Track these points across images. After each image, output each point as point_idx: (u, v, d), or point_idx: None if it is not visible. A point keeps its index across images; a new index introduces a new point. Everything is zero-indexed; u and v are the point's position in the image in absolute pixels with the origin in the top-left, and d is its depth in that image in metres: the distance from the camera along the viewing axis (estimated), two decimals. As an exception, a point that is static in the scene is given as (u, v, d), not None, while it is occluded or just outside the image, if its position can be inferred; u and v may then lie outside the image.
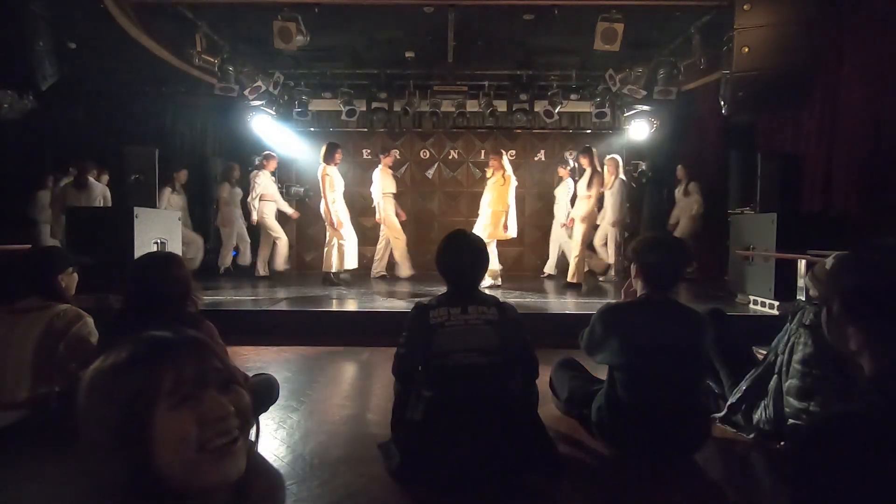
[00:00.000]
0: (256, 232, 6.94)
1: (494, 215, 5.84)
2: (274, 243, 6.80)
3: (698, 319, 2.18)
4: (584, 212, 5.91)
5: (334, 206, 5.95)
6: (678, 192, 7.18)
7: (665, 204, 8.05)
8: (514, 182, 6.02)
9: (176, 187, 6.86)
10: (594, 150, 6.01)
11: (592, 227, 6.10)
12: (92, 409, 0.68)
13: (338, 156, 6.06)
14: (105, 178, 6.18)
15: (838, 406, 0.92)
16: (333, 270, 6.09)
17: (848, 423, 0.80)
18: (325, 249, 6.12)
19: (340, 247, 6.07)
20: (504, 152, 6.50)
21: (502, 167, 5.91)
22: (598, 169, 5.93)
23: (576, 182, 6.51)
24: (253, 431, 0.77)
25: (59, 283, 2.29)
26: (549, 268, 7.24)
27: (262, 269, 6.68)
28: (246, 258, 7.14)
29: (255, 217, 6.58)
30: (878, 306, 0.84)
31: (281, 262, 6.87)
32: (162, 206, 5.95)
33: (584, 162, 5.90)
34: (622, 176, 6.55)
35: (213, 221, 7.83)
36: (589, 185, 5.84)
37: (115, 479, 0.66)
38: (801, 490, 0.81)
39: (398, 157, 8.40)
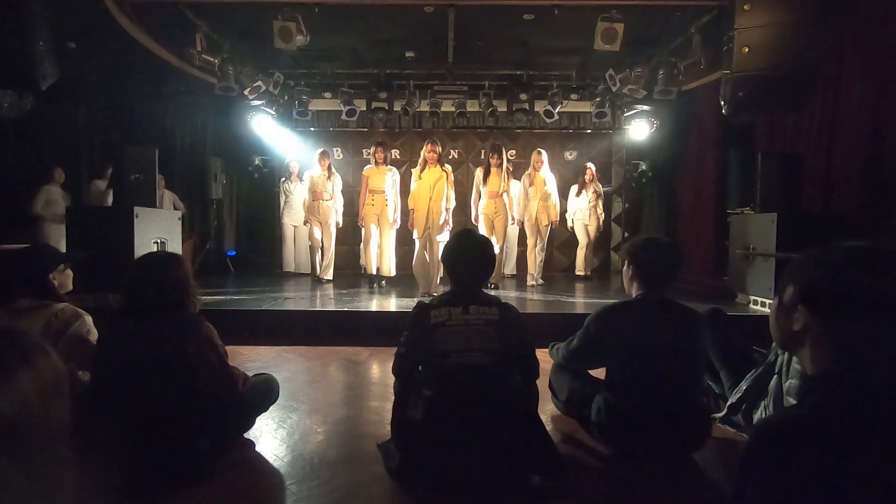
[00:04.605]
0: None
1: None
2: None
3: (696, 318, 2.19)
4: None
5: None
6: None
7: (665, 204, 8.06)
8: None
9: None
10: (503, 146, 6.15)
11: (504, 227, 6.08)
12: None
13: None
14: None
15: (780, 410, 0.91)
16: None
17: (791, 427, 0.79)
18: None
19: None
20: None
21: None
22: (507, 166, 6.10)
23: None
24: (252, 432, 0.77)
25: (50, 282, 2.27)
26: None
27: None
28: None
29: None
30: (830, 304, 0.84)
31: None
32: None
33: (493, 161, 5.95)
34: (543, 173, 6.29)
35: (214, 220, 7.87)
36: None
37: None
38: (743, 498, 0.79)
39: (398, 156, 8.44)
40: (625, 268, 2.25)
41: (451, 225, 5.50)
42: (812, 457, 0.74)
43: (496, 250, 5.72)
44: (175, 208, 6.59)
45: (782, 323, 0.91)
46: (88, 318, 2.26)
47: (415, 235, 5.51)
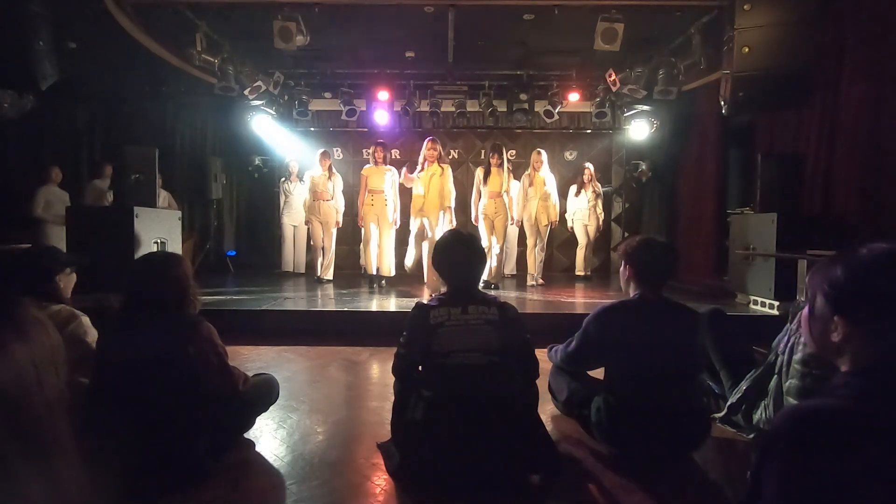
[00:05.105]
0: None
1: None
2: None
3: (693, 317, 2.20)
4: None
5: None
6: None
7: (665, 204, 8.06)
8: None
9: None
10: (503, 146, 6.15)
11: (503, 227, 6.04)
12: None
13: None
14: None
15: (808, 400, 0.90)
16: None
17: (823, 416, 0.79)
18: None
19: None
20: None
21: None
22: (508, 166, 6.08)
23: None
24: (252, 432, 0.76)
25: (57, 285, 2.26)
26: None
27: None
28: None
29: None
30: (870, 313, 0.84)
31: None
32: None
33: (493, 161, 5.95)
34: (543, 173, 6.27)
35: (214, 220, 7.87)
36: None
37: None
38: (763, 485, 0.79)
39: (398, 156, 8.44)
40: (621, 268, 2.26)
41: (454, 223, 5.54)
42: (845, 446, 0.74)
43: (496, 250, 5.86)
44: (170, 208, 6.56)
45: (818, 333, 0.91)
46: (85, 319, 2.25)
47: (412, 228, 5.56)
